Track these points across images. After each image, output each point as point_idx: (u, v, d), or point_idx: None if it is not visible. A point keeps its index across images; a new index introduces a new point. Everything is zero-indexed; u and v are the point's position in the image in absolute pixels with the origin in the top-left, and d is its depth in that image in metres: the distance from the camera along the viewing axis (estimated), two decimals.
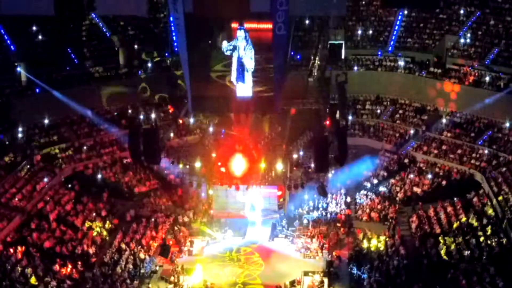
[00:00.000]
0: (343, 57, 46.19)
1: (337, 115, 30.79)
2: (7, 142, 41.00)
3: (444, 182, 41.71)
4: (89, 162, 43.20)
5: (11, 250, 32.16)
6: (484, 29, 49.65)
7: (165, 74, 46.71)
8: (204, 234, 37.78)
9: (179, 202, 41.33)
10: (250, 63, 25.79)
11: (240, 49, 25.72)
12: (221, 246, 37.00)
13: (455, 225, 35.48)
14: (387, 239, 35.34)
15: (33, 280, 30.51)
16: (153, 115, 41.69)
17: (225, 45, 26.02)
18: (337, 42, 41.30)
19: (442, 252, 33.07)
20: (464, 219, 35.69)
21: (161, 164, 36.65)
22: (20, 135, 41.88)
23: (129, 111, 46.72)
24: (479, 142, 43.79)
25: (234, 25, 25.69)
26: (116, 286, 31.54)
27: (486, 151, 42.52)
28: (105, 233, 36.66)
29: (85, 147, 43.92)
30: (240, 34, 25.48)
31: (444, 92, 47.26)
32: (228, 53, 26.18)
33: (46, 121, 44.04)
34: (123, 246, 34.99)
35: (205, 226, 38.14)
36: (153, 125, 27.44)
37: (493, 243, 32.15)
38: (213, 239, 37.61)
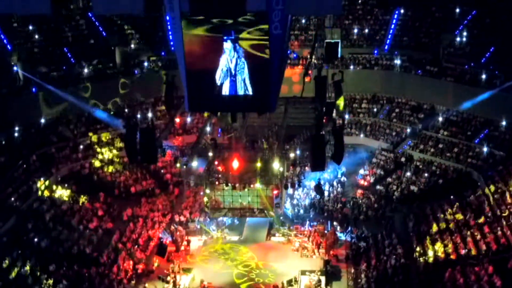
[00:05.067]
0: (339, 55, 46.16)
1: (334, 114, 30.71)
2: (3, 142, 40.88)
3: (440, 181, 41.77)
4: (86, 162, 43.16)
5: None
6: (480, 27, 49.67)
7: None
8: (201, 233, 37.80)
9: (176, 201, 41.30)
10: (242, 76, 22.81)
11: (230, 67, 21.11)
12: (218, 245, 36.97)
13: (452, 224, 35.52)
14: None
15: (29, 280, 30.43)
16: (149, 114, 41.64)
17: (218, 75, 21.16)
18: (333, 41, 41.28)
19: (440, 250, 33.10)
20: (461, 217, 35.72)
21: (158, 163, 36.55)
22: (16, 135, 41.80)
23: (126, 110, 46.67)
24: (476, 141, 43.78)
25: None
26: (113, 286, 31.48)
27: (483, 150, 42.56)
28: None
29: (81, 147, 43.86)
30: (227, 46, 20.86)
31: None
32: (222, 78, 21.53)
33: (43, 120, 43.98)
34: (120, 245, 34.94)
35: (202, 225, 38.16)
36: (149, 124, 27.26)
37: (491, 242, 32.18)
38: (210, 238, 37.62)
